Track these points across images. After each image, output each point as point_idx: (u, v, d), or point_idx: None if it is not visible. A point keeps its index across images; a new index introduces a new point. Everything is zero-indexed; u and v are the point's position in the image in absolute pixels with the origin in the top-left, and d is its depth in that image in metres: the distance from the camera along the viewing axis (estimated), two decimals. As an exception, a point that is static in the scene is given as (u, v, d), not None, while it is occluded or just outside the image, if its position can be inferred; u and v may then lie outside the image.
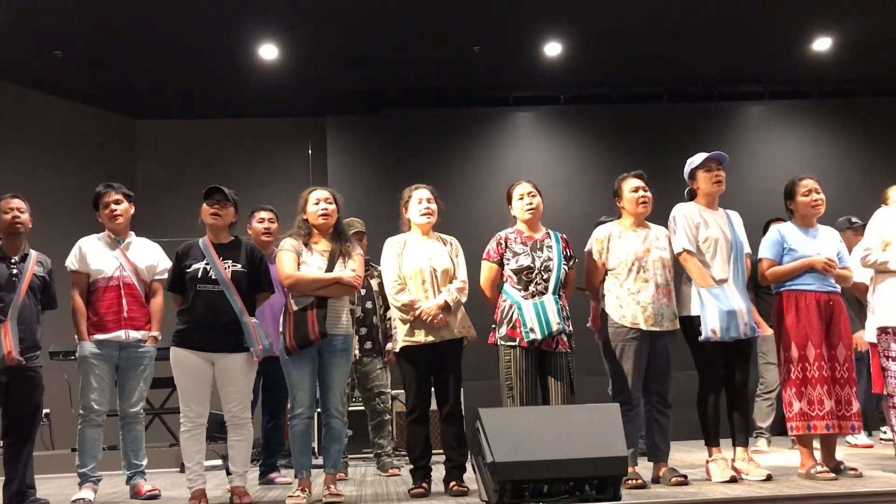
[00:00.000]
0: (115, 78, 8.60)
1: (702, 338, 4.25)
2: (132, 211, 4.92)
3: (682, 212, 4.48)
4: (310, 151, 9.27)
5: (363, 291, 5.60)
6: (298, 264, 4.23)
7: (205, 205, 4.30)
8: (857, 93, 9.39)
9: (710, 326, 4.22)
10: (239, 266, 4.27)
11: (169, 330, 4.41)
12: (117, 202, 4.83)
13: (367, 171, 8.95)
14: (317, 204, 4.34)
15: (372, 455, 5.94)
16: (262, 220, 5.45)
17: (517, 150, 9.22)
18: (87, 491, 4.54)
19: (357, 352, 5.54)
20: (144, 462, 4.83)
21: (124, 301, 4.71)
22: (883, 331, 4.38)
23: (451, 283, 4.39)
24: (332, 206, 4.35)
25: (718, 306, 4.23)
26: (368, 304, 5.65)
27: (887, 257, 4.36)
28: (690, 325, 4.37)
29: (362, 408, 6.06)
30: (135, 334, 4.72)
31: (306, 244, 4.31)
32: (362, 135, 9.18)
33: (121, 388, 4.79)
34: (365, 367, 5.62)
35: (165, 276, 4.80)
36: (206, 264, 4.21)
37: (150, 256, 4.90)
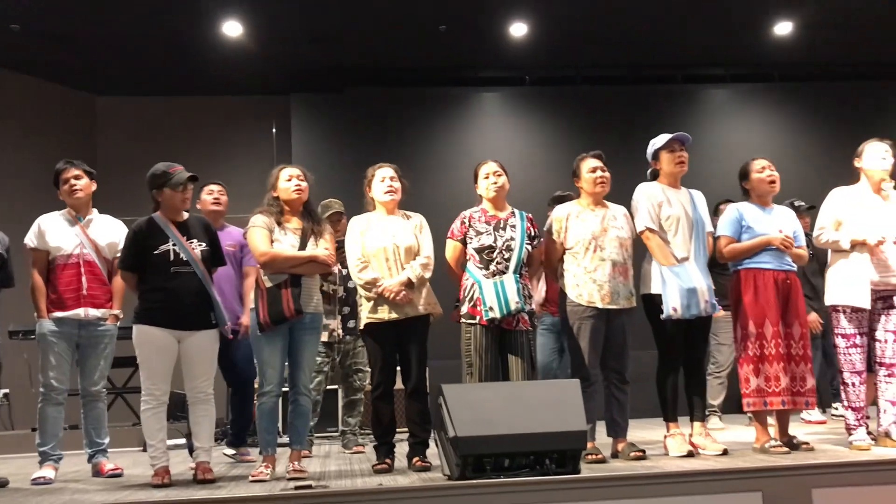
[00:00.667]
0: (76, 53, 8.45)
1: (663, 316, 4.31)
2: (93, 187, 4.85)
3: (645, 191, 4.54)
4: (274, 130, 9.20)
5: (345, 272, 5.62)
6: (271, 241, 4.23)
7: (172, 191, 4.23)
8: (816, 77, 9.56)
9: (672, 304, 4.28)
10: (204, 245, 4.27)
11: (126, 306, 4.38)
12: (77, 177, 4.76)
13: (331, 150, 8.91)
14: (289, 181, 4.34)
15: (337, 434, 5.97)
16: (211, 193, 5.44)
17: (482, 130, 9.24)
18: (47, 469, 4.50)
19: (340, 331, 5.58)
20: (106, 440, 4.80)
21: (84, 278, 4.66)
22: (833, 308, 4.49)
23: (414, 259, 4.42)
24: (305, 184, 4.36)
25: (679, 284, 4.29)
26: (350, 284, 5.66)
27: (838, 237, 4.47)
28: (651, 302, 4.44)
29: (334, 387, 6.09)
30: (94, 312, 4.67)
31: (278, 222, 4.31)
32: (327, 113, 9.14)
33: (82, 366, 4.74)
34: (347, 345, 5.68)
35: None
36: (174, 245, 4.18)
37: (111, 233, 4.84)
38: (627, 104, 9.14)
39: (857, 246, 4.41)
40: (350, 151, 8.57)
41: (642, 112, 8.90)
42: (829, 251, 4.60)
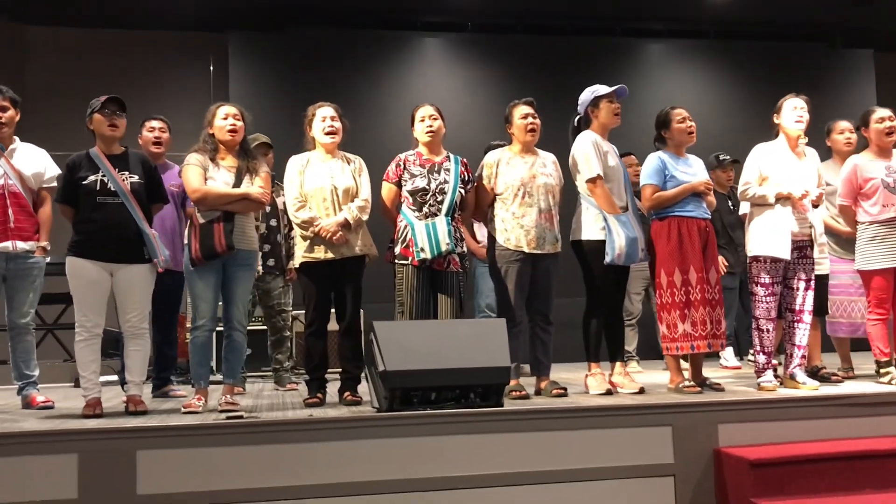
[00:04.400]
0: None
1: (607, 260, 4.44)
2: (17, 118, 4.75)
3: (591, 139, 4.61)
4: (211, 67, 9.04)
5: (268, 209, 5.63)
6: (205, 179, 4.25)
7: (99, 115, 4.20)
8: (750, 35, 9.78)
9: (617, 251, 4.43)
10: (136, 177, 4.24)
11: (57, 241, 4.33)
12: (2, 109, 4.66)
13: (269, 90, 8.80)
14: (225, 119, 4.34)
15: (270, 372, 6.05)
16: (152, 129, 5.37)
17: (423, 74, 9.23)
18: (-25, 401, 4.50)
19: (260, 268, 5.60)
20: (36, 373, 4.78)
21: (10, 211, 4.58)
22: (754, 259, 4.68)
23: (352, 201, 4.47)
24: (240, 123, 4.38)
25: (626, 233, 4.45)
26: (273, 222, 5.68)
27: (765, 191, 4.65)
28: (583, 248, 4.58)
29: (262, 327, 6.13)
30: (22, 245, 4.60)
31: (212, 159, 4.32)
32: (266, 52, 9.00)
33: (9, 299, 4.68)
34: (267, 284, 5.68)
35: (54, 183, 4.73)
36: (103, 176, 4.16)
37: (36, 163, 4.75)
38: (566, 54, 9.21)
39: (780, 199, 4.60)
40: (289, 91, 8.49)
41: (580, 63, 8.98)
42: (749, 205, 4.79)
